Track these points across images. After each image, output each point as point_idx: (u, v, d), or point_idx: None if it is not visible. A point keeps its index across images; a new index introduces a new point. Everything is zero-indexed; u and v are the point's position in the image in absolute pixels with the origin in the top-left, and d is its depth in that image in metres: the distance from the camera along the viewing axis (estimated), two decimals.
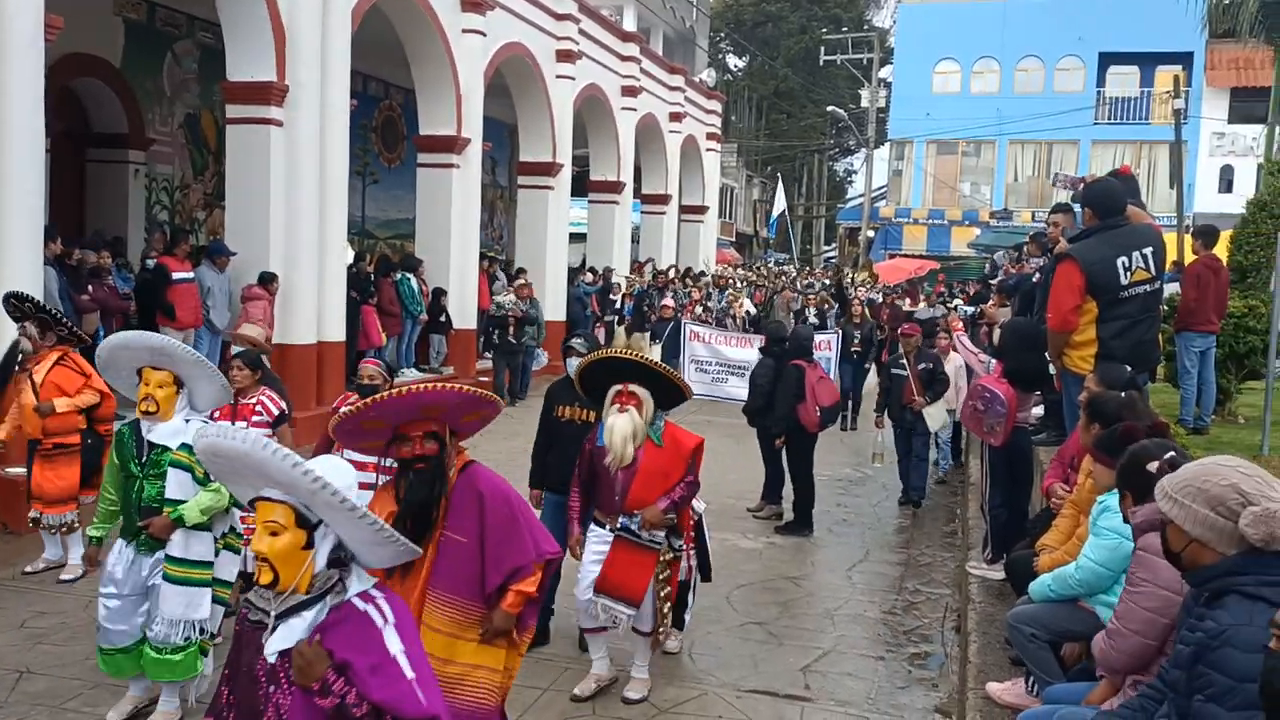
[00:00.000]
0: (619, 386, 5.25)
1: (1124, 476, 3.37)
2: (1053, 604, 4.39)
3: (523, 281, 16.64)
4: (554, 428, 6.26)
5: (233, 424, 6.45)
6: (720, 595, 7.50)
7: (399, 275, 14.95)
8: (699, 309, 19.22)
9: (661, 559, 5.44)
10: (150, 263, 11.94)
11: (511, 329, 15.30)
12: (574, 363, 5.92)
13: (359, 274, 14.15)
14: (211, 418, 6.66)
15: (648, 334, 17.06)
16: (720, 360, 13.57)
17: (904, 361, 10.36)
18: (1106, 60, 36.22)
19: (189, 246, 11.52)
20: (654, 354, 15.26)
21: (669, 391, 5.41)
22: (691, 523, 5.81)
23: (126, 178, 14.77)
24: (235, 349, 7.52)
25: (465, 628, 3.90)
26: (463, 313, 15.87)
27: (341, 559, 2.77)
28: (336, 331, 12.84)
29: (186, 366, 5.18)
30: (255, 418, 6.67)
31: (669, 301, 17.00)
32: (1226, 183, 34.06)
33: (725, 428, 12.30)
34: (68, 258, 9.86)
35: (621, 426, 5.19)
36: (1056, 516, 5.13)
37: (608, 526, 5.41)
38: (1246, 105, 33.16)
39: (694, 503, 5.75)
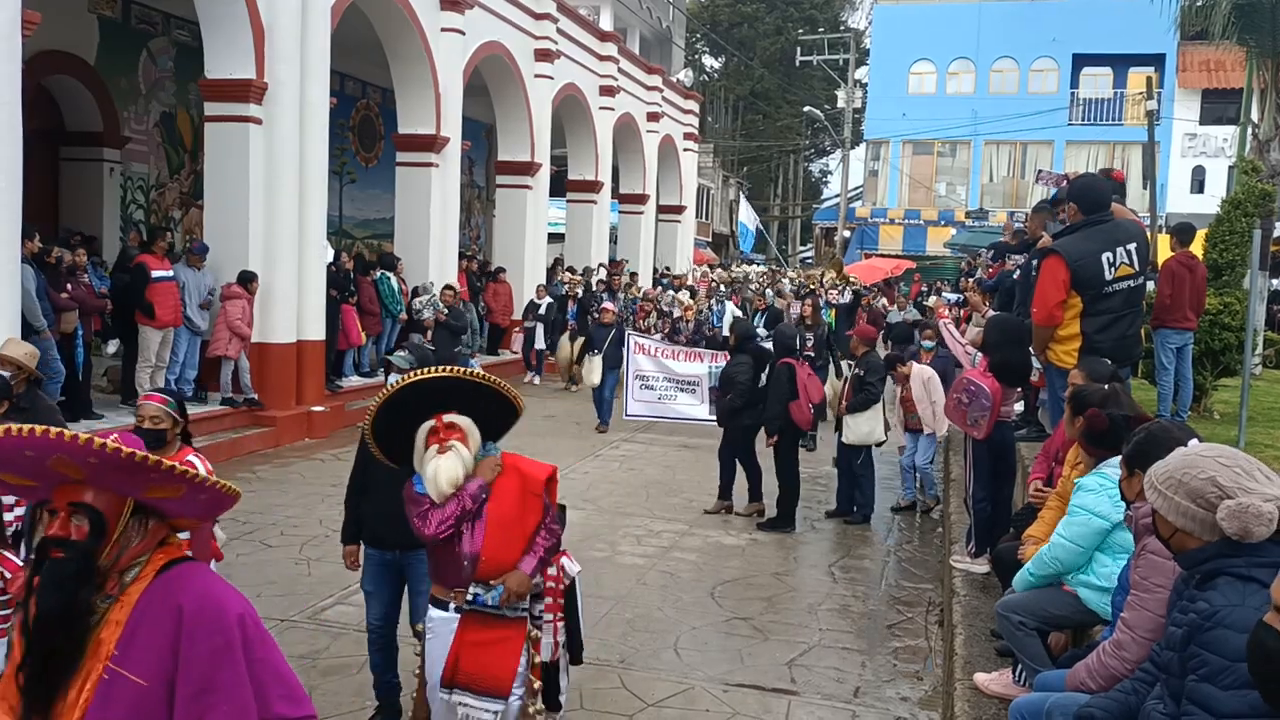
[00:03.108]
0: (432, 421, 3.91)
1: (1140, 456, 3.37)
2: (1038, 590, 4.45)
3: (448, 285, 15.24)
4: (371, 466, 4.81)
5: None
6: (705, 591, 7.54)
7: (378, 274, 14.90)
8: (653, 315, 17.22)
9: (529, 633, 4.12)
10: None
11: (429, 335, 13.22)
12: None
13: (339, 272, 14.09)
14: None
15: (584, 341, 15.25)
16: (668, 376, 12.27)
17: (849, 365, 9.86)
18: (1080, 62, 36.59)
19: (165, 244, 11.44)
20: (594, 366, 14.00)
21: (498, 414, 4.10)
22: (562, 587, 4.32)
23: (101, 176, 14.68)
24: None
25: None
26: None
27: None
28: (316, 330, 12.79)
29: None
30: None
31: (610, 305, 15.06)
32: (1198, 183, 34.46)
33: (701, 430, 12.35)
34: (46, 256, 9.77)
35: (449, 469, 3.85)
36: (1041, 509, 5.18)
37: (451, 606, 4.02)
38: (1218, 107, 33.58)
39: (566, 563, 4.36)
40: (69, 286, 9.84)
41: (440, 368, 4.01)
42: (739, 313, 18.50)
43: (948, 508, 9.54)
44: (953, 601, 6.35)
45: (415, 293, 15.10)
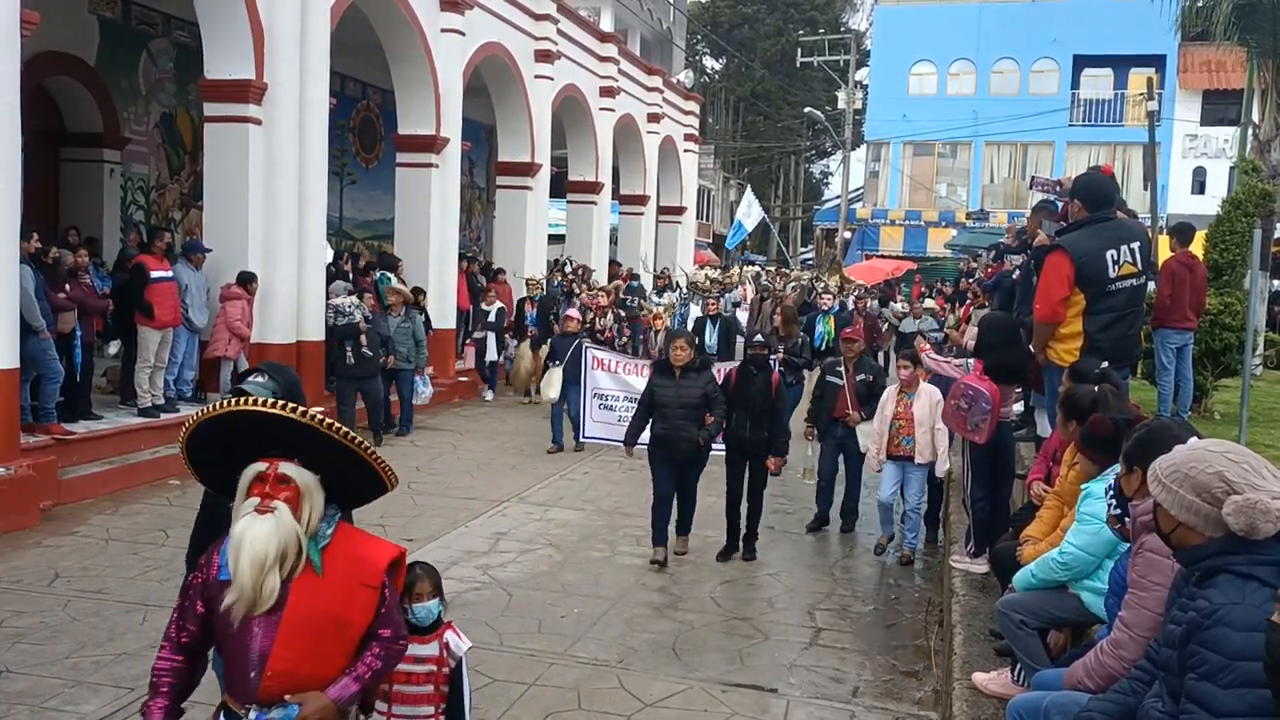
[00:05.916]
0: (261, 466, 2.86)
1: (1140, 452, 3.35)
2: (1041, 590, 4.43)
3: (366, 291, 13.35)
4: (222, 508, 3.50)
5: None
6: (705, 592, 7.53)
7: (378, 274, 14.87)
8: (608, 317, 15.20)
9: None
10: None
11: (363, 341, 12.05)
12: None
13: (339, 272, 14.06)
14: None
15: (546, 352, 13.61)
16: (629, 393, 10.69)
17: (840, 369, 9.15)
18: (1080, 63, 36.56)
19: (164, 244, 11.42)
20: (554, 378, 12.39)
21: (363, 476, 3.02)
22: (445, 671, 3.67)
23: (102, 177, 14.69)
24: None
25: None
26: (442, 312, 15.81)
27: None
28: (316, 331, 12.78)
29: None
30: None
31: (574, 312, 13.57)
32: (1199, 184, 34.43)
33: None
34: (44, 255, 9.76)
35: (258, 540, 2.76)
36: (1040, 508, 5.17)
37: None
38: (1219, 108, 33.57)
39: (452, 639, 3.66)
40: (68, 286, 9.82)
41: (278, 404, 2.89)
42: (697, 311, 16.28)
43: (947, 508, 9.52)
44: (952, 601, 6.34)
45: (336, 292, 13.09)
